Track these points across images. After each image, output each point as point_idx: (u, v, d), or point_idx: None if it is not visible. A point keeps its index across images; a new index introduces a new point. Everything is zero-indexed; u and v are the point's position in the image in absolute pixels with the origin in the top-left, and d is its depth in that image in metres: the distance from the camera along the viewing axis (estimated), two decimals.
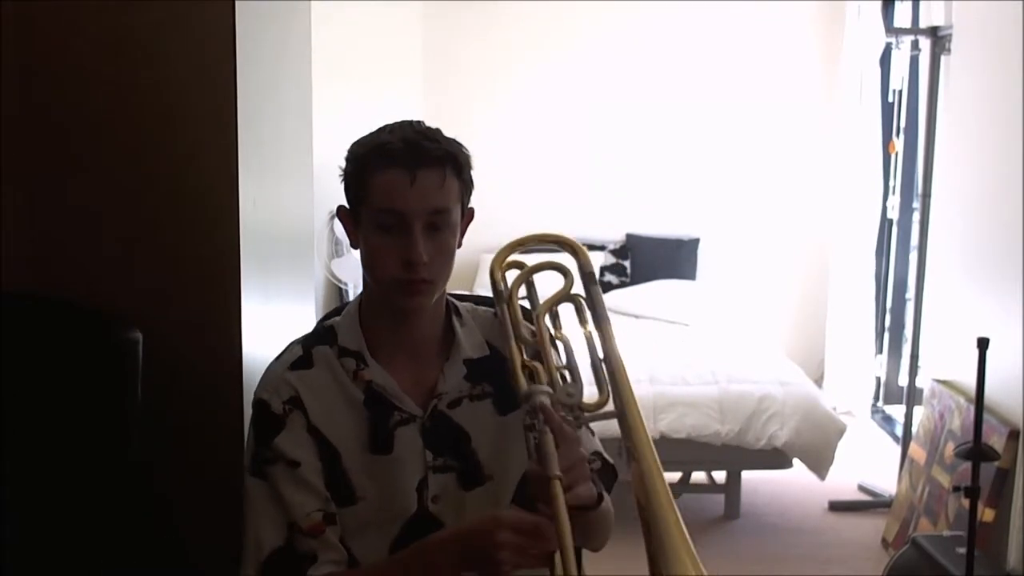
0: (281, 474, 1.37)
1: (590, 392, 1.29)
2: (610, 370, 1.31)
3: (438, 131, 1.39)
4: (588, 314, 1.38)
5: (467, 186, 1.40)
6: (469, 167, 1.40)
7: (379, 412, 1.40)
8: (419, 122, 1.40)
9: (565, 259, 1.45)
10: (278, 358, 1.46)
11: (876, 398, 5.27)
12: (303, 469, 1.37)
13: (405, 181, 1.32)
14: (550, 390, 1.27)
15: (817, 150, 5.59)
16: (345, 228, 1.45)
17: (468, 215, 1.44)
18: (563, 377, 1.35)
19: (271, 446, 1.38)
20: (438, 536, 1.30)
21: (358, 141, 1.41)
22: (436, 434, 1.39)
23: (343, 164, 1.42)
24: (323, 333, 1.47)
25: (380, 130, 1.40)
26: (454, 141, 1.39)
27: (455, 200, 1.36)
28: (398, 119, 1.42)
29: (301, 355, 1.44)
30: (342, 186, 1.44)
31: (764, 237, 5.70)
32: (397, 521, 1.39)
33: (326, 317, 1.56)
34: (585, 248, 1.45)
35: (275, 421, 1.39)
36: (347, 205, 1.43)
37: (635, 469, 1.20)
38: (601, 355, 1.33)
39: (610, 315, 1.28)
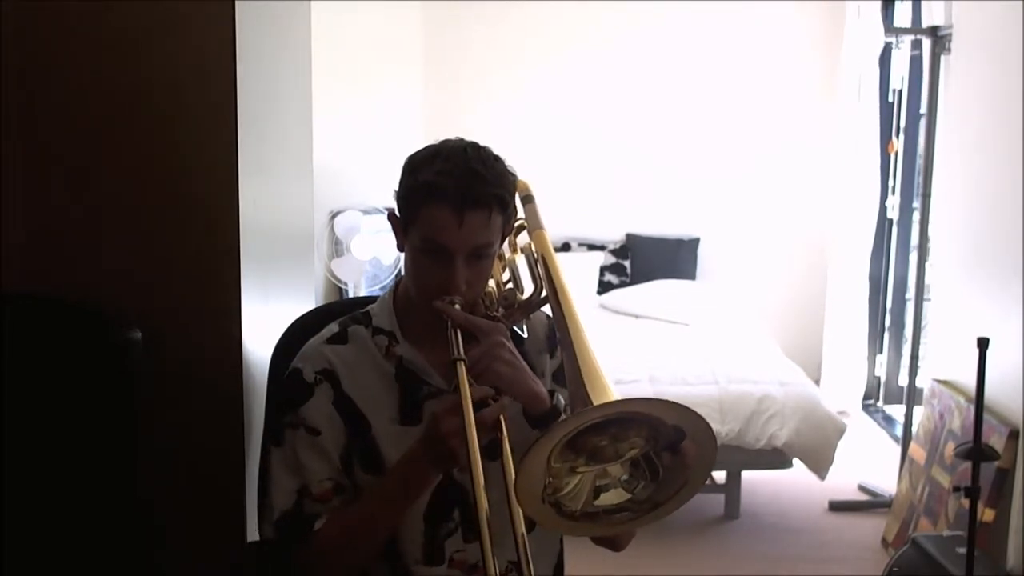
0: (301, 439, 1.46)
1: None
2: (544, 267, 1.47)
3: (491, 161, 1.43)
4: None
5: (510, 217, 1.47)
6: (514, 197, 1.46)
7: (409, 386, 1.49)
8: (475, 148, 1.43)
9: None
10: (317, 335, 1.54)
11: (876, 398, 5.27)
12: (322, 439, 1.45)
13: (453, 221, 1.38)
14: (456, 299, 1.39)
15: (817, 150, 5.59)
16: (394, 231, 1.50)
17: (509, 229, 1.51)
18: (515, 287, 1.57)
19: (297, 412, 1.47)
20: (403, 455, 1.39)
21: (414, 158, 1.45)
22: None
23: (398, 175, 1.47)
24: (359, 316, 1.55)
25: (437, 153, 1.43)
26: (504, 173, 1.43)
27: (497, 233, 1.44)
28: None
29: (337, 331, 1.53)
30: (394, 192, 1.49)
31: (764, 237, 5.70)
32: (425, 491, 1.45)
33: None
34: (522, 179, 1.57)
35: (305, 389, 1.47)
36: (397, 213, 1.48)
37: (566, 358, 1.30)
38: (535, 256, 1.50)
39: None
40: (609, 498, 1.23)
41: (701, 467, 1.20)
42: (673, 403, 1.16)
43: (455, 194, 1.37)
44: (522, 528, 1.29)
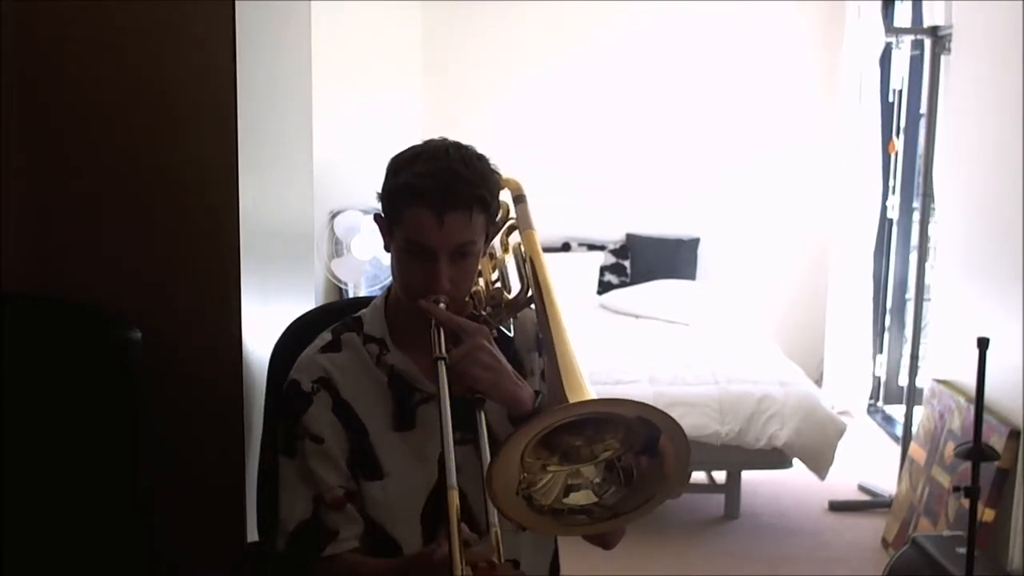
0: (308, 449, 1.47)
1: None
2: (531, 268, 1.46)
3: (472, 160, 1.43)
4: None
5: (494, 215, 1.48)
6: (497, 196, 1.47)
7: (402, 392, 1.50)
8: (456, 148, 1.44)
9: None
10: (311, 345, 1.55)
11: (876, 398, 5.27)
12: (327, 446, 1.46)
13: (433, 222, 1.39)
14: (442, 297, 1.40)
15: (817, 150, 5.59)
16: (380, 232, 1.51)
17: (495, 227, 1.52)
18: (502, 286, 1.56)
19: (299, 422, 1.48)
20: (408, 556, 1.41)
21: (396, 159, 1.46)
22: (454, 410, 1.41)
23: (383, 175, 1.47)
24: (350, 322, 1.56)
25: (419, 154, 1.43)
26: (486, 173, 1.44)
27: (480, 232, 1.44)
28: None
29: (331, 340, 1.54)
30: (379, 194, 1.49)
31: (764, 237, 5.70)
32: (421, 493, 1.48)
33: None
34: (513, 179, 1.59)
35: (304, 399, 1.49)
36: (382, 214, 1.49)
37: (547, 360, 1.31)
38: (524, 256, 1.50)
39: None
40: (577, 498, 1.24)
41: (675, 477, 1.21)
42: (650, 407, 1.17)
43: (435, 195, 1.38)
44: (496, 526, 1.29)
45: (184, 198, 1.81)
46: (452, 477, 1.25)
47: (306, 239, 2.38)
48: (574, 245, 5.64)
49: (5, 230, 1.78)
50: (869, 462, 4.40)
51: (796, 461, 3.73)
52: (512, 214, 1.60)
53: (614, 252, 5.62)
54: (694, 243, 5.61)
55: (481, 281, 1.55)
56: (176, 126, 1.79)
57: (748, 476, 3.97)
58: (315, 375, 1.49)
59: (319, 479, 1.45)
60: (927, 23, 4.18)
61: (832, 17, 5.39)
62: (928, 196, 3.92)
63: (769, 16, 5.56)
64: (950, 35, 3.71)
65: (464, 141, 1.47)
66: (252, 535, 1.81)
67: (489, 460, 1.28)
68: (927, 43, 3.90)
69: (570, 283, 5.34)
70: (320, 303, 1.94)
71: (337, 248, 4.50)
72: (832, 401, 4.81)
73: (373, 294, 2.79)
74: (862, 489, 4.14)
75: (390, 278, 1.54)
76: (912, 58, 4.68)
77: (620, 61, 5.62)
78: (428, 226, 1.39)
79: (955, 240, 3.63)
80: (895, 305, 5.21)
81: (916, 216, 4.44)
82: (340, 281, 4.51)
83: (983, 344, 2.56)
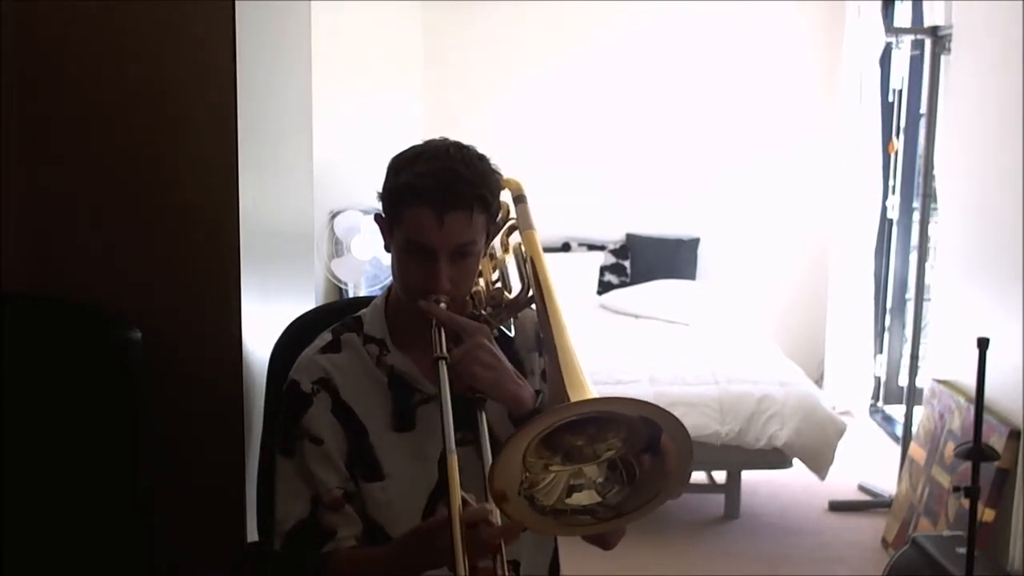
0: (307, 449, 1.47)
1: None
2: (532, 268, 1.46)
3: (473, 160, 1.43)
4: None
5: (494, 215, 1.48)
6: (498, 196, 1.47)
7: (402, 393, 1.50)
8: (457, 148, 1.44)
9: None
10: (311, 345, 1.55)
11: (876, 398, 5.27)
12: (326, 447, 1.46)
13: (434, 222, 1.39)
14: (442, 297, 1.40)
15: (817, 150, 5.59)
16: (381, 232, 1.51)
17: (495, 227, 1.52)
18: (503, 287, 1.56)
19: (299, 423, 1.48)
20: (400, 542, 1.37)
21: (397, 159, 1.46)
22: (455, 410, 1.40)
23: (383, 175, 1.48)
24: (350, 322, 1.56)
25: (419, 154, 1.44)
26: (486, 173, 1.44)
27: (481, 232, 1.44)
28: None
29: (331, 340, 1.54)
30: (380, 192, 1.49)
31: (764, 237, 5.70)
32: (422, 494, 1.47)
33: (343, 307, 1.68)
34: (513, 179, 1.59)
35: (304, 400, 1.48)
36: (383, 214, 1.49)
37: (548, 360, 1.32)
38: (524, 256, 1.51)
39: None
40: (580, 499, 1.24)
41: (677, 474, 1.21)
42: (652, 405, 1.17)
43: (435, 195, 1.38)
44: (497, 520, 1.28)
45: (184, 198, 1.81)
46: (451, 442, 1.25)
47: (306, 239, 2.38)
48: (574, 245, 5.64)
49: (5, 230, 1.78)
50: (869, 462, 4.40)
51: (796, 461, 3.74)
52: (512, 214, 1.60)
53: (614, 252, 5.62)
54: (694, 243, 5.61)
55: (481, 281, 1.55)
56: (176, 126, 1.79)
57: (748, 476, 3.97)
58: (315, 375, 1.49)
59: (318, 480, 1.45)
60: (927, 23, 4.19)
61: (832, 17, 5.39)
62: (928, 196, 3.92)
63: (769, 16, 5.56)
64: (950, 35, 3.71)
65: (464, 141, 1.47)
66: (252, 535, 1.81)
67: (491, 461, 1.28)
68: (927, 43, 3.90)
69: (570, 283, 5.34)
70: (320, 303, 1.94)
71: (337, 248, 4.50)
72: (832, 401, 4.81)
73: (373, 294, 2.79)
74: (862, 489, 4.14)
75: (390, 278, 1.54)
76: (912, 58, 4.68)
77: (620, 61, 5.62)
78: (428, 226, 1.39)
79: (955, 240, 3.63)
80: (895, 305, 5.21)
81: (916, 216, 4.44)
82: (340, 281, 4.51)
83: (983, 344, 2.56)
